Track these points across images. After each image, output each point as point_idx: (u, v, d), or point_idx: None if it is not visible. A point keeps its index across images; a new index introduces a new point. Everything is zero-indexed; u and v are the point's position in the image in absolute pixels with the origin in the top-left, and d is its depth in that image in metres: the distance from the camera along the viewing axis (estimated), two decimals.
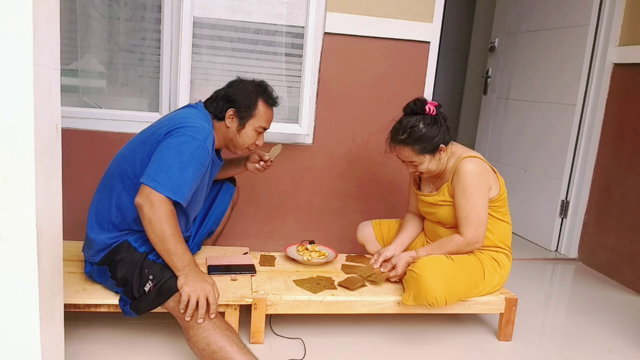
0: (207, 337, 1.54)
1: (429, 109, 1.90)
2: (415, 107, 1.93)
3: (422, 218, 2.20)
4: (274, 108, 1.94)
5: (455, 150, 1.99)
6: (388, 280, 2.03)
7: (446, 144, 1.93)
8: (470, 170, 1.89)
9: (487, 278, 1.96)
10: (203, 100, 1.92)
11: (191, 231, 2.04)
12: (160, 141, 1.67)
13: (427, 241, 2.14)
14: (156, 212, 1.58)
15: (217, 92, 1.90)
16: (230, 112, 1.84)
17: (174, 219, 1.62)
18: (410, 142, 1.89)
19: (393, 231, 2.25)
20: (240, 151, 1.93)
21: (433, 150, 1.91)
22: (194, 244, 2.11)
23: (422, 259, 1.89)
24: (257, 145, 1.92)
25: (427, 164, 1.93)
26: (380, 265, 2.07)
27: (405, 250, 2.12)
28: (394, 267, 2.01)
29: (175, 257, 1.60)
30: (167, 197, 1.59)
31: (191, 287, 1.57)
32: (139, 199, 1.59)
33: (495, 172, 1.99)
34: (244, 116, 1.85)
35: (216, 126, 1.86)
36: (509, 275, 2.06)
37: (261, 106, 1.87)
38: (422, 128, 1.88)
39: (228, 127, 1.86)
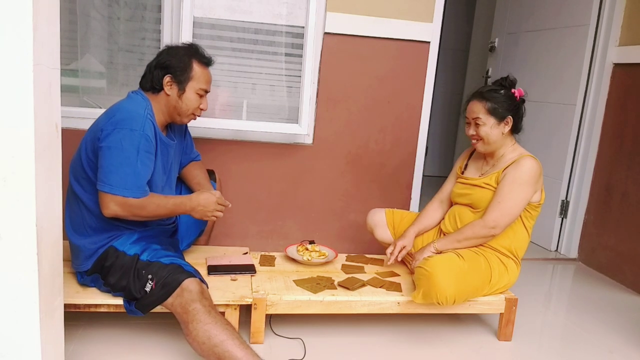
0: (207, 331, 1.54)
1: (515, 92, 1.99)
2: (505, 82, 2.01)
3: (446, 210, 2.19)
4: (209, 69, 1.88)
5: (517, 148, 2.03)
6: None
7: (516, 125, 1.99)
8: (530, 166, 1.92)
9: (493, 281, 1.96)
10: None
11: (176, 221, 2.01)
12: (100, 139, 1.64)
13: (442, 231, 2.13)
14: (132, 209, 1.65)
15: (148, 65, 1.84)
16: (167, 78, 1.79)
17: (146, 199, 1.67)
18: (486, 97, 1.96)
19: (405, 221, 2.24)
20: (187, 118, 1.86)
21: (501, 116, 1.96)
22: (184, 246, 2.10)
23: (434, 257, 1.88)
24: (202, 109, 1.87)
25: (489, 128, 1.96)
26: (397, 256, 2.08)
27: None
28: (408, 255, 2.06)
29: (176, 211, 1.78)
30: (125, 196, 1.63)
31: (200, 213, 1.79)
32: (106, 212, 1.64)
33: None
34: (181, 80, 1.79)
35: (156, 99, 1.80)
36: (514, 283, 2.05)
37: (197, 67, 1.82)
38: (502, 93, 1.97)
39: (168, 95, 1.80)
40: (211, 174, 2.20)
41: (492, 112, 1.95)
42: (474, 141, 2.03)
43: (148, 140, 1.67)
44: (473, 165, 2.14)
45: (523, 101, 2.03)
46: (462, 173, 2.15)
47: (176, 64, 1.79)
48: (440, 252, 1.96)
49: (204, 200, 1.79)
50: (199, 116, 1.90)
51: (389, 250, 2.10)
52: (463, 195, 2.08)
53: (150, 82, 1.80)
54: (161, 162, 1.81)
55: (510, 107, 1.97)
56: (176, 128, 1.96)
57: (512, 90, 2.00)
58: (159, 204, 1.72)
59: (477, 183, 2.03)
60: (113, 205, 1.63)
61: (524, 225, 1.99)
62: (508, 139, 2.02)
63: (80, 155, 1.73)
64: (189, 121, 1.90)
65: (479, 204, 2.00)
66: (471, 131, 2.01)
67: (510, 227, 1.97)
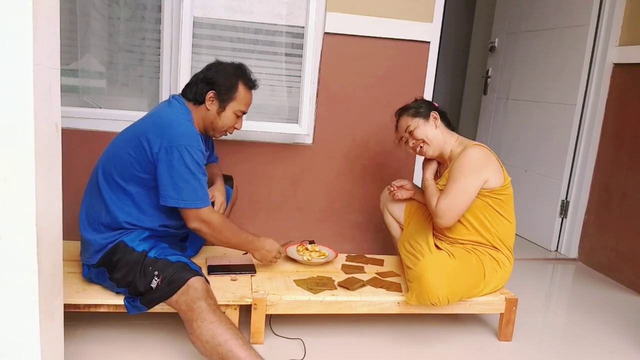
0: (212, 330, 1.54)
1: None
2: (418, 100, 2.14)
3: None
4: (252, 91, 1.94)
5: (464, 140, 2.05)
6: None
7: (446, 120, 2.07)
8: (470, 154, 1.93)
9: (487, 278, 1.96)
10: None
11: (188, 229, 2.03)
12: (157, 159, 1.68)
13: (434, 233, 2.13)
14: (213, 227, 1.76)
15: (196, 76, 1.89)
16: (210, 94, 1.83)
17: (227, 222, 1.82)
18: (406, 108, 2.08)
19: (421, 212, 2.25)
20: (219, 134, 1.93)
21: (425, 114, 2.03)
22: (193, 250, 2.11)
23: (425, 258, 1.88)
24: (236, 128, 1.93)
25: (422, 127, 2.02)
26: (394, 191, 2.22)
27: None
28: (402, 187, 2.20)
29: (243, 247, 1.91)
30: (207, 207, 1.73)
31: (262, 256, 1.95)
32: (191, 225, 1.74)
33: (501, 166, 1.99)
34: (224, 99, 1.85)
35: (196, 111, 1.85)
36: (509, 277, 2.05)
37: (241, 89, 1.87)
38: (419, 102, 2.10)
39: (208, 110, 1.85)
40: (229, 179, 2.22)
41: (416, 114, 2.04)
42: (418, 149, 2.07)
43: (203, 154, 1.75)
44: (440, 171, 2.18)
45: (443, 112, 2.10)
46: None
47: (222, 82, 1.84)
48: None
49: (269, 245, 1.95)
50: (230, 134, 1.96)
51: (388, 187, 2.25)
52: None
53: (194, 94, 1.85)
54: None
55: (430, 105, 2.07)
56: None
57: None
58: (234, 232, 1.84)
59: (438, 188, 2.06)
60: (196, 220, 1.73)
61: (498, 212, 1.99)
62: (447, 134, 2.06)
63: (120, 159, 1.74)
64: (219, 137, 1.96)
65: None
66: (411, 143, 2.07)
67: (484, 218, 1.97)
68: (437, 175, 2.12)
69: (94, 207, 1.78)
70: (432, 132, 2.03)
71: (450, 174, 1.96)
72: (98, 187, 1.77)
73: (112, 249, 1.74)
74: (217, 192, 2.00)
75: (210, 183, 2.06)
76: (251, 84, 1.91)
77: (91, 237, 1.76)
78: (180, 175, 1.68)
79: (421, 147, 2.05)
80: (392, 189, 2.24)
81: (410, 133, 2.04)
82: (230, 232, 1.82)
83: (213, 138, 1.99)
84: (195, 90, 1.84)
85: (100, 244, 1.75)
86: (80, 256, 1.84)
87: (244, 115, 1.96)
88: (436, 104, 2.11)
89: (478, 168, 1.92)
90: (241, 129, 1.97)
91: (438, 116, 2.04)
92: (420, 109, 2.04)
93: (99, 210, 1.76)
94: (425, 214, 2.24)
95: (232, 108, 1.87)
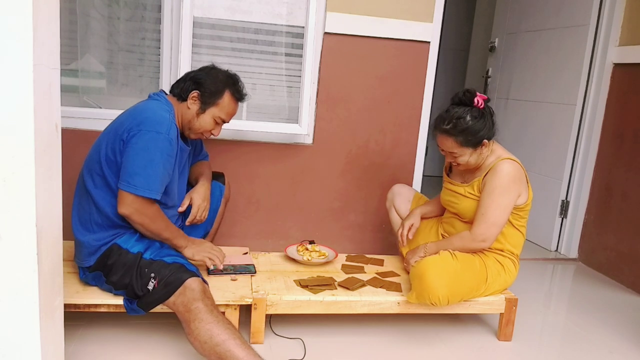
0: (209, 330, 1.54)
1: (478, 101, 1.86)
2: (464, 98, 1.88)
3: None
4: (240, 103, 1.94)
5: (496, 149, 1.95)
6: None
7: (490, 139, 1.89)
8: (506, 171, 1.87)
9: (489, 280, 1.96)
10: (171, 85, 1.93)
11: (181, 223, 2.02)
12: (125, 140, 1.67)
13: (442, 235, 2.12)
14: (144, 217, 1.70)
15: (187, 73, 1.90)
16: (194, 93, 1.83)
17: (160, 213, 1.76)
18: (455, 133, 1.85)
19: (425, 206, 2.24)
20: (194, 135, 1.91)
21: (476, 144, 1.87)
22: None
23: (427, 258, 1.89)
24: (212, 134, 1.92)
25: (468, 157, 1.90)
26: (407, 234, 2.12)
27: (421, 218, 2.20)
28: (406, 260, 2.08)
29: (173, 241, 1.80)
30: (146, 197, 1.67)
31: (198, 254, 1.84)
32: (122, 210, 1.68)
33: (528, 184, 1.97)
34: (206, 102, 1.84)
35: (178, 107, 1.85)
36: (513, 282, 2.05)
37: (227, 97, 1.87)
38: (468, 120, 1.84)
39: (188, 109, 1.85)
40: (220, 176, 2.21)
41: (465, 144, 1.86)
42: (454, 164, 1.99)
43: (172, 145, 1.71)
44: (458, 169, 2.08)
45: (488, 100, 1.91)
46: (448, 175, 2.13)
47: (209, 85, 1.84)
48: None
49: (199, 244, 1.87)
50: (207, 138, 1.95)
51: (399, 232, 2.13)
52: (451, 202, 2.06)
53: (180, 89, 1.86)
54: (178, 166, 1.85)
55: (481, 127, 1.85)
56: None
57: (475, 102, 1.86)
58: (168, 225, 1.78)
59: (461, 192, 2.01)
60: (130, 206, 1.67)
61: (514, 225, 1.98)
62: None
63: (99, 152, 1.73)
64: (195, 138, 1.94)
65: (465, 214, 2.00)
66: (448, 159, 1.97)
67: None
68: (462, 180, 2.04)
69: (84, 207, 1.77)
70: (477, 159, 1.91)
71: (484, 192, 1.89)
72: (84, 186, 1.76)
73: (105, 252, 1.73)
74: (195, 195, 1.97)
75: (195, 182, 2.06)
76: (238, 96, 1.91)
77: (84, 238, 1.75)
78: (139, 160, 1.65)
79: (458, 164, 1.95)
80: (402, 238, 2.13)
81: (455, 158, 1.92)
82: (164, 223, 1.77)
83: (189, 138, 1.95)
84: (182, 87, 1.86)
85: (94, 246, 1.74)
86: (75, 259, 1.83)
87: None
88: (483, 99, 1.87)
89: (514, 186, 1.88)
90: (218, 135, 1.95)
91: (488, 142, 1.88)
92: (472, 136, 1.84)
93: (89, 209, 1.76)
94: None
95: (212, 113, 1.86)
